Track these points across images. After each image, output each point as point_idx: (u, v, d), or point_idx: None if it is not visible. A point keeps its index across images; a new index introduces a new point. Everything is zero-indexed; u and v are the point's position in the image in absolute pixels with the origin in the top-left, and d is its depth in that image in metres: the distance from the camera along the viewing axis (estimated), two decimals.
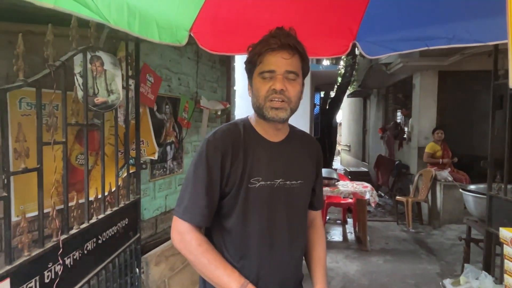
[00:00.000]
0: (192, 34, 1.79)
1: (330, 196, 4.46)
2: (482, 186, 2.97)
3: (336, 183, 4.44)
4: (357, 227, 4.88)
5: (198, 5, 1.67)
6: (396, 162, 6.97)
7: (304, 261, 1.21)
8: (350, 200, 4.83)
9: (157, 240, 2.51)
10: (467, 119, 6.13)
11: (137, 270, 1.91)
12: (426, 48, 1.73)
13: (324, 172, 4.51)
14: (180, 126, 2.95)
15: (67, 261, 1.28)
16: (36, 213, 1.19)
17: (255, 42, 1.04)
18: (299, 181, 1.09)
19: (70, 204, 1.31)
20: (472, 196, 2.91)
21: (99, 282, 1.49)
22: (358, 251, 4.24)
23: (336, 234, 4.97)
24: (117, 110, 1.70)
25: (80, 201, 1.39)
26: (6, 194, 1.02)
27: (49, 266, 1.18)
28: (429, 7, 1.70)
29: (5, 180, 1.02)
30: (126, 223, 1.77)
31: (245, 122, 1.10)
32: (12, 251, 1.05)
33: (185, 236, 1.00)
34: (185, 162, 3.08)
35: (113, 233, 1.63)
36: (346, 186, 4.43)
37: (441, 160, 5.39)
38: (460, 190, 3.24)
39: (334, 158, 11.50)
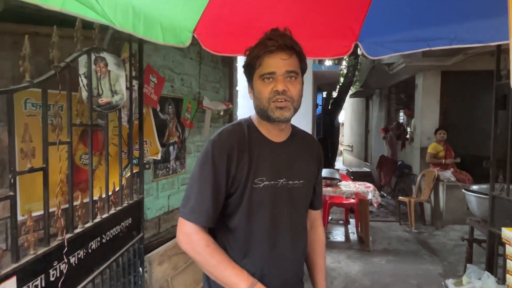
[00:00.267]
0: (195, 35, 1.80)
1: (333, 196, 4.47)
2: (484, 186, 2.96)
3: (339, 183, 4.44)
4: (359, 227, 4.88)
5: (201, 6, 1.68)
6: (399, 163, 6.96)
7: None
8: (352, 200, 4.82)
9: (160, 240, 2.52)
10: (470, 119, 6.11)
11: (141, 269, 1.92)
12: (428, 48, 1.73)
13: (327, 172, 4.51)
14: (183, 126, 2.96)
15: (72, 260, 1.29)
16: (41, 212, 1.20)
17: (258, 43, 1.05)
18: (301, 181, 1.11)
19: (74, 203, 1.33)
20: (474, 196, 2.90)
21: (103, 281, 1.51)
22: (360, 251, 4.23)
23: (338, 234, 4.97)
24: (121, 111, 1.72)
25: (85, 200, 1.41)
26: (12, 193, 1.04)
27: (54, 264, 1.20)
28: (431, 7, 1.70)
29: (12, 179, 1.04)
30: (130, 222, 1.78)
31: (249, 122, 1.11)
32: (18, 249, 1.06)
33: (192, 237, 1.00)
34: (188, 162, 3.09)
35: (116, 233, 1.64)
36: (348, 186, 4.43)
37: (443, 160, 5.38)
38: (463, 190, 3.23)
39: (337, 159, 11.49)
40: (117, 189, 1.69)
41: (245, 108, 4.08)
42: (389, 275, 3.57)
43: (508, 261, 1.50)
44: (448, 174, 5.19)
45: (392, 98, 8.38)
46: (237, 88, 4.09)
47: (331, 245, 4.45)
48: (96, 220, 1.48)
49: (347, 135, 15.13)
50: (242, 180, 1.02)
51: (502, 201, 2.20)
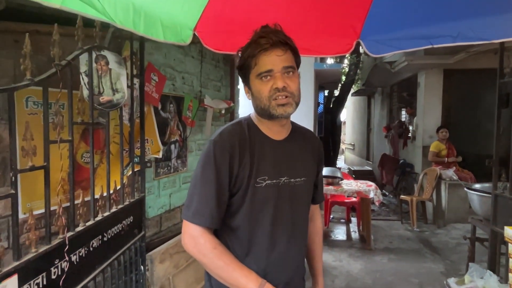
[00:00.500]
0: (196, 33, 1.80)
1: (334, 195, 4.46)
2: (487, 185, 2.95)
3: (340, 182, 4.43)
4: (361, 226, 4.87)
5: (202, 4, 1.68)
6: (401, 161, 6.94)
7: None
8: (354, 199, 4.81)
9: (161, 238, 2.53)
10: (472, 117, 6.07)
11: (142, 267, 1.93)
12: (430, 46, 1.72)
13: (328, 171, 4.51)
14: (184, 125, 2.96)
15: (73, 258, 1.29)
16: (42, 210, 1.20)
17: (250, 42, 1.04)
18: (302, 178, 1.11)
19: (76, 201, 1.33)
20: (477, 195, 2.89)
21: (104, 279, 1.51)
22: (362, 250, 4.23)
23: (340, 233, 4.97)
24: (122, 109, 1.71)
25: (86, 199, 1.41)
26: (14, 192, 1.04)
27: (55, 262, 1.20)
28: (433, 4, 1.69)
29: (13, 177, 1.04)
30: (131, 220, 1.78)
31: (249, 121, 1.10)
32: (20, 247, 1.06)
33: (198, 240, 0.99)
34: (189, 160, 3.09)
35: (118, 231, 1.64)
36: (350, 185, 4.42)
37: (446, 159, 5.36)
38: (465, 189, 3.22)
39: (338, 157, 11.48)
40: (118, 187, 1.69)
41: (246, 107, 4.07)
42: (391, 273, 3.57)
43: (510, 260, 1.49)
44: (450, 172, 5.17)
45: (394, 97, 8.36)
46: (239, 87, 4.08)
47: (332, 243, 4.45)
48: (97, 219, 1.48)
49: (348, 134, 15.10)
50: (245, 180, 1.01)
51: (504, 199, 2.19)
